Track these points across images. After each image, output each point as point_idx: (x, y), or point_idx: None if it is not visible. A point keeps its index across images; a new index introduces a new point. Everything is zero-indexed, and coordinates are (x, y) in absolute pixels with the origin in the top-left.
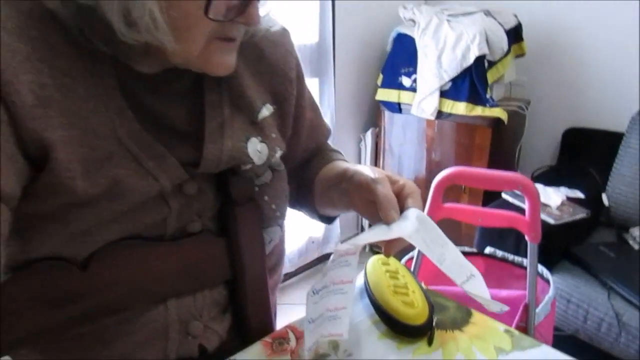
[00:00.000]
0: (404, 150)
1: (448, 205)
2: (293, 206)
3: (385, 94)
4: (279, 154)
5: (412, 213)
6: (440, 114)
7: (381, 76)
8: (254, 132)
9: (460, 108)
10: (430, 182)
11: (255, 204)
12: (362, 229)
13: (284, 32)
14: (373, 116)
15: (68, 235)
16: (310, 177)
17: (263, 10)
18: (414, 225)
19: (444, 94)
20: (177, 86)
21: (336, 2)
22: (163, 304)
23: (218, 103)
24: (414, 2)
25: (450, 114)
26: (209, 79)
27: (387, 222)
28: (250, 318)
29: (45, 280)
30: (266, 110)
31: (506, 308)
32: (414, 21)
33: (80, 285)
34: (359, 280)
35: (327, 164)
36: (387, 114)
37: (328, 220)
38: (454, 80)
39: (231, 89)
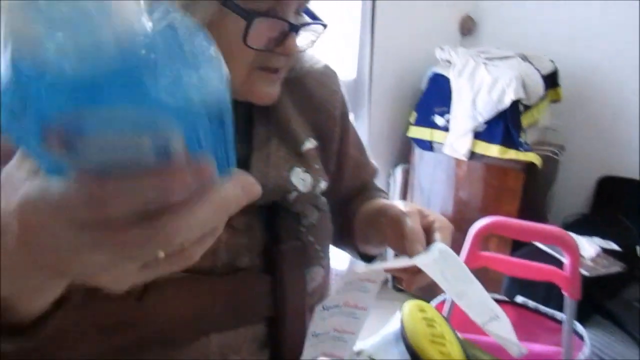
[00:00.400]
0: (433, 188)
1: (486, 254)
2: (335, 244)
3: (418, 132)
4: (323, 184)
5: (437, 246)
6: (472, 155)
7: (415, 114)
8: (298, 163)
9: (493, 150)
10: (457, 221)
11: (301, 243)
12: None
13: (331, 72)
14: (404, 153)
15: None
16: (352, 214)
17: (303, 43)
18: (434, 257)
19: (477, 135)
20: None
21: (375, 41)
22: (206, 336)
23: (265, 135)
24: (450, 43)
25: (482, 156)
26: (258, 111)
27: (411, 255)
28: (287, 355)
29: (102, 307)
30: (309, 144)
31: (525, 350)
32: (450, 62)
33: (135, 315)
34: (395, 325)
35: (367, 201)
36: (418, 151)
37: (368, 259)
38: (488, 123)
39: (278, 121)
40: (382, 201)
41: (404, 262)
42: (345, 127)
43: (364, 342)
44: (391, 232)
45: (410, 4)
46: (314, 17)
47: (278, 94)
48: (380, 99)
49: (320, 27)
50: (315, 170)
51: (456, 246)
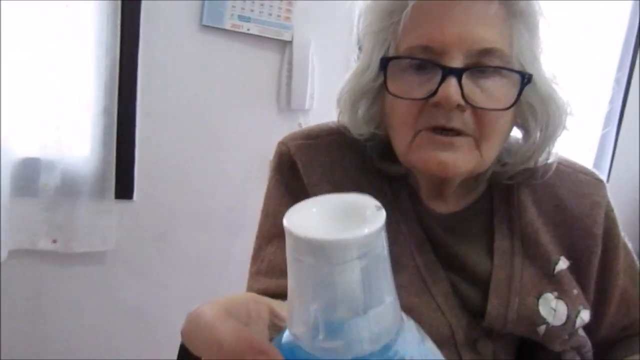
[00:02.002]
0: None
1: None
2: None
3: None
4: (585, 315)
5: None
6: None
7: None
8: (549, 287)
9: None
10: None
11: None
12: None
13: (593, 181)
14: None
15: None
16: None
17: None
18: None
19: None
20: (469, 226)
21: (618, 144)
22: None
23: (509, 251)
24: None
25: None
26: (500, 222)
27: None
28: None
29: None
30: (563, 264)
31: None
32: None
33: None
34: None
35: (632, 356)
36: None
37: None
38: None
39: (524, 236)
40: None
41: None
42: (612, 248)
43: None
44: None
45: None
46: (522, 73)
47: (457, 166)
48: (615, 204)
49: (517, 76)
50: (572, 296)
51: None
